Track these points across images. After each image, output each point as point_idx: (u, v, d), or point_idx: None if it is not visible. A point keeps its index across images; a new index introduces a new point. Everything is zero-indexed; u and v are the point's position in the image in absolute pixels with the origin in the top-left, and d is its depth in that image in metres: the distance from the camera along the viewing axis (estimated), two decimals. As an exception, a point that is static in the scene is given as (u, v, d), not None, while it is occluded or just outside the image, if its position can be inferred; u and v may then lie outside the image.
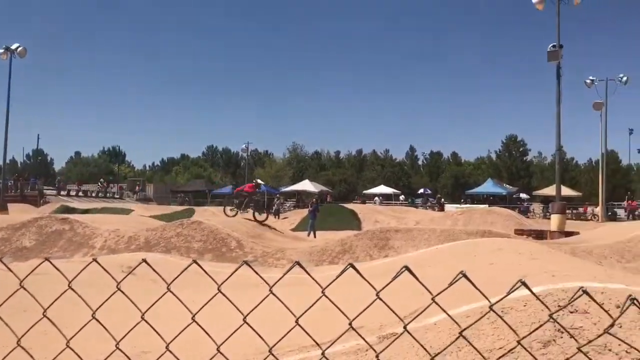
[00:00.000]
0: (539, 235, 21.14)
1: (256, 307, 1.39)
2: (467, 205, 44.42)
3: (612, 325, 1.17)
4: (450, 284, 1.24)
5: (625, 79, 38.72)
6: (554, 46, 22.54)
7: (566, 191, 45.89)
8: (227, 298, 1.30)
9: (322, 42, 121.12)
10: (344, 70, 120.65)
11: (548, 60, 22.60)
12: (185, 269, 1.49)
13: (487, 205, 41.34)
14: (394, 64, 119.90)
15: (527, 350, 1.48)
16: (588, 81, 39.39)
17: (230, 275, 1.43)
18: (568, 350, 3.26)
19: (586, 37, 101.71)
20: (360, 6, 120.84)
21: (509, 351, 2.33)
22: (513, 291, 1.21)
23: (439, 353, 1.40)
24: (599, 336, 1.24)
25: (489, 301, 1.25)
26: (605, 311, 1.34)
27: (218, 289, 1.29)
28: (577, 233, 20.70)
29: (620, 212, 43.82)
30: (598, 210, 39.70)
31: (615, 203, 47.45)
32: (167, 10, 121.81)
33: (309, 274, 1.30)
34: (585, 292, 1.15)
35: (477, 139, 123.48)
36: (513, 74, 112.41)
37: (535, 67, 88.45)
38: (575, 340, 2.27)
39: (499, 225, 24.40)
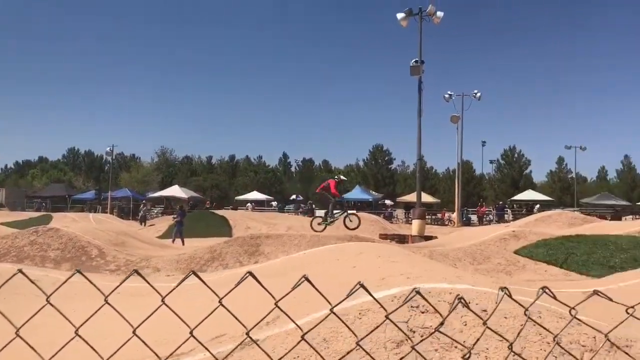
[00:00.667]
0: (401, 239, 22.25)
1: (90, 317, 1.30)
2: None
3: (442, 324, 1.24)
4: (293, 288, 1.24)
5: (479, 95, 42.08)
6: (416, 61, 23.92)
7: (426, 198, 48.83)
8: (57, 309, 1.21)
9: (194, 44, 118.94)
10: (215, 74, 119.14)
11: (410, 74, 23.94)
12: (9, 279, 1.36)
13: (355, 211, 42.74)
14: (265, 70, 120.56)
15: (365, 351, 1.52)
16: (446, 95, 42.31)
17: (61, 285, 1.32)
18: (420, 348, 3.44)
19: (447, 53, 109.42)
20: (230, 11, 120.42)
21: (347, 353, 2.40)
22: (352, 294, 1.25)
23: (282, 357, 1.40)
24: (431, 334, 1.31)
25: (330, 304, 1.27)
26: (437, 310, 1.42)
27: (47, 300, 1.19)
28: (435, 237, 22.08)
29: (474, 218, 47.35)
30: (454, 215, 42.61)
31: (470, 209, 51.17)
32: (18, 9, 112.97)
33: (147, 282, 1.24)
34: (417, 292, 1.21)
35: (347, 147, 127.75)
36: (379, 85, 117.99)
37: (401, 80, 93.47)
38: (410, 339, 2.40)
39: (365, 230, 25.27)
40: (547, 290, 1.33)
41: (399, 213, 50.99)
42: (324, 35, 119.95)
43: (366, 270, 5.46)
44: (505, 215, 47.31)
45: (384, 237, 22.54)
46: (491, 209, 50.35)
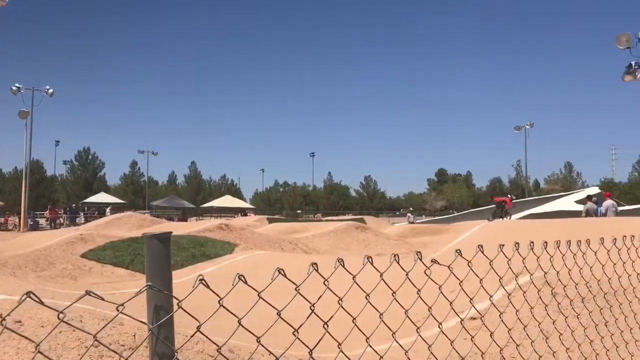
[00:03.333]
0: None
1: None
2: None
3: None
4: None
5: (51, 91, 39.66)
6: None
7: (-13, 200, 43.55)
8: None
9: None
10: None
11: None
12: None
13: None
14: None
15: None
16: (14, 88, 38.64)
17: None
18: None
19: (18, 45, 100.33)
20: None
21: None
22: None
23: None
24: None
25: None
26: None
27: None
28: (-5, 244, 19.86)
29: (43, 221, 44.61)
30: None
31: (39, 212, 47.97)
32: None
33: None
34: None
35: None
36: None
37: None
38: None
39: None
40: (31, 296, 1.35)
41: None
42: None
43: None
44: (77, 219, 46.01)
45: None
46: (62, 212, 48.26)
